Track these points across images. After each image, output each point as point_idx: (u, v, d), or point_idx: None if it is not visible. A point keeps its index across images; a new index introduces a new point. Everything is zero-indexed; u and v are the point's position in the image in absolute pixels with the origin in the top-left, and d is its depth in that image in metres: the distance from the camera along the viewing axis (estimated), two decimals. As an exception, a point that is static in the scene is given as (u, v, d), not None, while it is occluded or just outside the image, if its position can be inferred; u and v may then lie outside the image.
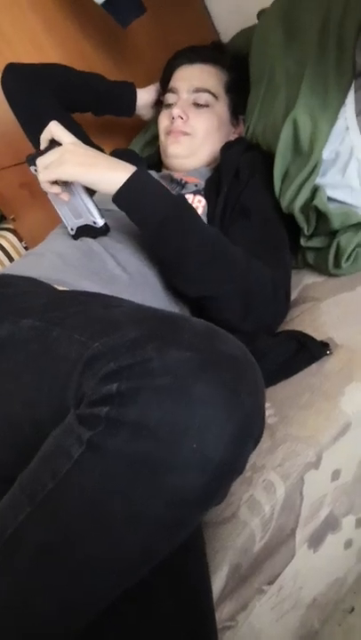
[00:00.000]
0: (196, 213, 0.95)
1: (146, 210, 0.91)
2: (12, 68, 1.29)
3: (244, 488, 0.77)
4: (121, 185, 0.89)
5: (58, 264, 0.95)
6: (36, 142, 1.32)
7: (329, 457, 0.81)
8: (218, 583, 0.72)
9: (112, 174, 0.90)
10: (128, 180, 0.89)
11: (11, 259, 1.72)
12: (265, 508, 0.75)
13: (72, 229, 1.02)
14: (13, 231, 1.72)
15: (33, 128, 1.30)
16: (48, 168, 0.92)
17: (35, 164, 0.95)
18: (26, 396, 0.62)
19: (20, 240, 1.71)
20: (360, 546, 0.98)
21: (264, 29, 1.28)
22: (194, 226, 0.92)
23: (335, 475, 0.84)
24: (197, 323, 0.58)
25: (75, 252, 0.98)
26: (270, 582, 0.81)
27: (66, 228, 1.04)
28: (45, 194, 1.01)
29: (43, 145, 0.99)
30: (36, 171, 0.96)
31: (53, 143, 0.96)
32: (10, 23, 1.38)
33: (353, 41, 1.06)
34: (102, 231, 1.01)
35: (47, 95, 1.29)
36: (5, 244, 1.73)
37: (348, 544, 0.95)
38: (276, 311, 0.99)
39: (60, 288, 0.86)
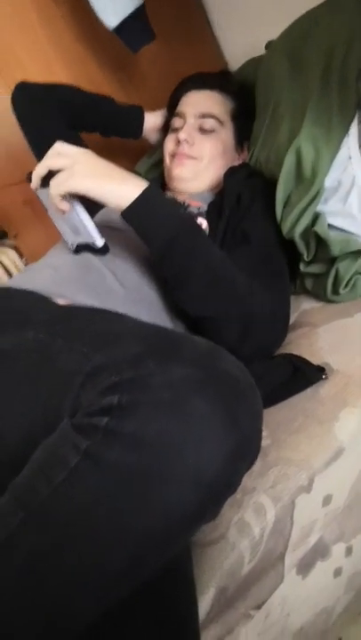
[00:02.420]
0: (204, 234, 0.95)
1: (155, 227, 0.90)
2: (22, 86, 1.31)
3: (234, 510, 0.77)
4: (132, 201, 0.88)
5: (56, 277, 0.96)
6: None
7: (321, 481, 0.81)
8: (204, 606, 0.71)
9: (123, 188, 0.89)
10: (139, 196, 0.88)
11: (10, 275, 1.73)
12: (255, 531, 0.75)
13: (72, 245, 1.03)
14: (15, 248, 1.73)
15: (40, 145, 1.31)
16: (57, 182, 0.90)
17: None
18: (22, 406, 0.62)
19: (21, 257, 1.72)
20: (349, 575, 0.96)
21: (271, 61, 1.30)
22: (201, 246, 0.92)
23: (326, 500, 0.84)
24: (200, 341, 0.59)
25: (72, 266, 0.99)
26: (257, 607, 0.80)
27: (66, 243, 1.05)
28: (46, 211, 1.02)
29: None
30: (36, 190, 0.96)
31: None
32: (22, 44, 1.41)
33: (355, 76, 1.08)
34: (102, 251, 1.01)
35: (56, 114, 1.31)
36: (6, 261, 1.74)
37: (338, 572, 0.94)
38: (274, 335, 1.00)
39: (60, 301, 0.86)
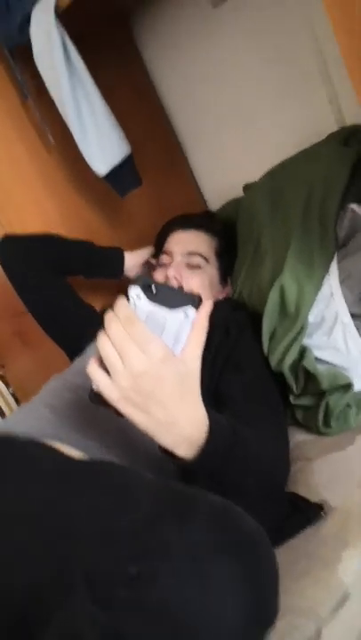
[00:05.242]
0: (243, 435, 0.79)
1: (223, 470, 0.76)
2: (7, 239, 1.41)
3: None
4: (201, 450, 0.72)
5: (51, 418, 0.96)
6: (30, 306, 1.41)
7: (328, 632, 0.77)
8: None
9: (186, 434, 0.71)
10: (210, 445, 0.72)
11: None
12: None
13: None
14: (1, 377, 1.74)
15: (27, 293, 1.39)
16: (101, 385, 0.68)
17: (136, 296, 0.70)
18: (28, 570, 0.60)
19: (8, 386, 1.72)
20: None
21: (251, 200, 1.41)
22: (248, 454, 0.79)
23: (336, 652, 0.80)
24: (214, 499, 0.58)
25: (69, 405, 0.99)
26: None
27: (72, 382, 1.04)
28: None
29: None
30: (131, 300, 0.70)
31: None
32: (19, 189, 1.51)
33: (334, 218, 1.17)
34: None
35: (41, 263, 1.38)
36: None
37: None
38: (282, 476, 0.95)
39: (58, 445, 0.85)
